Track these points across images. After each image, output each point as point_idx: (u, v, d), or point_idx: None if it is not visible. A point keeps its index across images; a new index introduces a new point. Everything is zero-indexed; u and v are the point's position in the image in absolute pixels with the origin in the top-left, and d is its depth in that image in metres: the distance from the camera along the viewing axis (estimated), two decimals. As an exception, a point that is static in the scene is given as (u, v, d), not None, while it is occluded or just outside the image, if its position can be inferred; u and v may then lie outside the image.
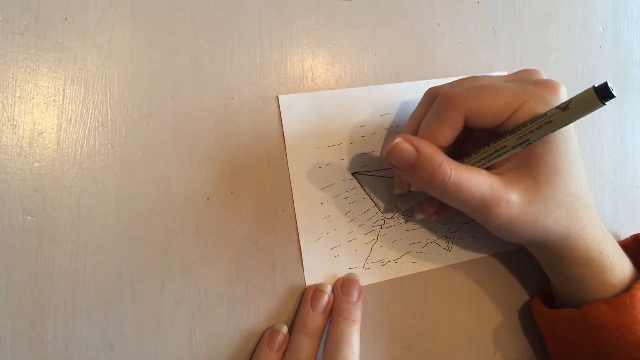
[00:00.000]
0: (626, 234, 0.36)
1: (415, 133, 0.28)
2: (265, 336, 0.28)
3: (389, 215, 0.31)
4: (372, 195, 0.31)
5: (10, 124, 0.25)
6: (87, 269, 0.26)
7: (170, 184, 0.27)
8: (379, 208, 0.31)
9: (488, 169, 0.26)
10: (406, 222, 0.32)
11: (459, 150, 0.28)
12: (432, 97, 0.28)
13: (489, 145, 0.26)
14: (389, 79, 0.31)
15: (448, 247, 0.33)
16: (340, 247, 0.30)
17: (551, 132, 0.24)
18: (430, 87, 0.29)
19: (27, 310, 0.25)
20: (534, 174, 0.25)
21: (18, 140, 0.25)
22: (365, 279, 0.31)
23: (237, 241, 0.28)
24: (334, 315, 0.28)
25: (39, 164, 0.25)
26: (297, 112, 0.29)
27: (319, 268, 0.30)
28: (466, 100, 0.25)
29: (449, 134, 0.26)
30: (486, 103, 0.25)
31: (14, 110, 0.25)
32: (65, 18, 0.25)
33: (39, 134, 0.25)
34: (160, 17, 0.27)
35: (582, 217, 0.27)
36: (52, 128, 0.25)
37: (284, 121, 0.29)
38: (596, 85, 0.22)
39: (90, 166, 0.26)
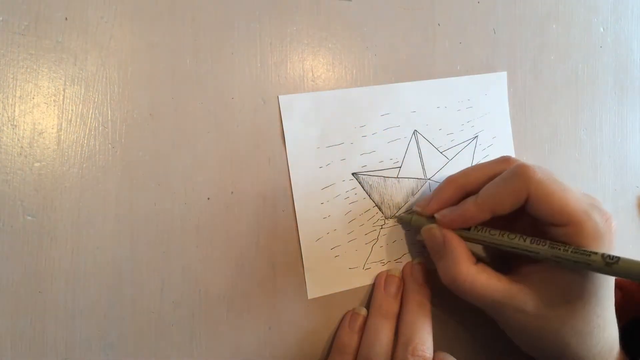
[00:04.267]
0: (626, 233, 0.36)
1: (474, 184, 0.28)
2: (346, 318, 0.30)
3: (390, 215, 0.31)
4: (373, 195, 0.31)
5: (11, 124, 0.25)
6: (87, 269, 0.26)
7: (170, 184, 0.27)
8: (379, 208, 0.31)
9: (513, 266, 0.27)
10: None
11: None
12: (505, 161, 0.28)
13: (525, 240, 0.25)
14: (389, 79, 0.31)
15: (448, 247, 0.33)
16: (340, 247, 0.30)
17: (586, 270, 0.23)
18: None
19: (27, 310, 0.25)
20: (557, 293, 0.25)
21: (18, 140, 0.25)
22: (366, 279, 0.31)
23: (237, 241, 0.28)
24: (405, 298, 0.30)
25: (39, 164, 0.25)
26: (297, 112, 0.29)
27: (319, 268, 0.30)
28: (539, 180, 0.24)
29: (508, 204, 0.25)
30: (554, 195, 0.24)
31: (14, 111, 0.25)
32: (66, 18, 0.25)
33: (39, 134, 0.25)
34: (160, 17, 0.27)
35: (604, 354, 0.26)
36: (53, 128, 0.25)
37: (284, 121, 0.29)
38: None
39: (90, 166, 0.26)
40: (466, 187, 0.28)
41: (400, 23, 0.32)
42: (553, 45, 0.36)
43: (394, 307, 0.29)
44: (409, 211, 0.32)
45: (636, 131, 0.40)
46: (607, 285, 0.25)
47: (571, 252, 0.24)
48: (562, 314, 0.25)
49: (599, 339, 0.26)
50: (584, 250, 0.23)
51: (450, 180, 0.29)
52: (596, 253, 0.23)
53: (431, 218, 0.29)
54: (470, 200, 0.27)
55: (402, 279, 0.31)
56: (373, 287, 0.31)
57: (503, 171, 0.27)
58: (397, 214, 0.32)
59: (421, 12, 0.32)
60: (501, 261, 0.29)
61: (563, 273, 0.25)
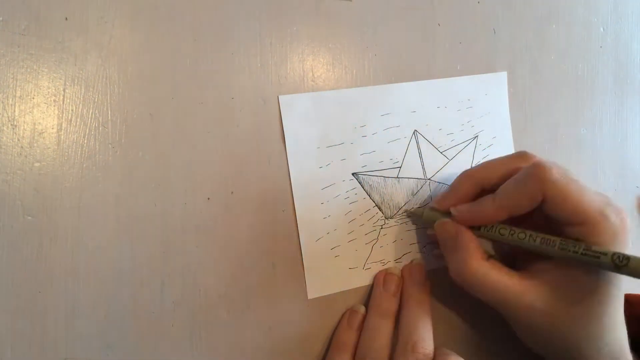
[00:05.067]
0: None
1: (490, 180, 0.28)
2: (345, 316, 0.30)
3: (390, 215, 0.31)
4: (373, 195, 0.31)
5: (11, 124, 0.25)
6: (87, 269, 0.26)
7: (170, 184, 0.27)
8: (379, 208, 0.31)
9: (524, 262, 0.27)
10: (407, 222, 0.32)
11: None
12: (521, 157, 0.28)
13: (535, 240, 0.26)
14: (389, 79, 0.31)
15: (448, 247, 0.33)
16: (340, 247, 0.30)
17: (597, 268, 0.24)
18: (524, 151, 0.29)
19: (27, 310, 0.25)
20: (568, 291, 0.25)
21: (18, 140, 0.25)
22: (366, 279, 0.31)
23: (237, 241, 0.28)
24: (404, 297, 0.30)
25: (39, 164, 0.25)
26: (297, 112, 0.29)
27: (319, 268, 0.30)
28: (554, 181, 0.24)
29: (525, 206, 0.25)
30: (569, 196, 0.24)
31: (15, 111, 0.25)
32: (66, 18, 0.25)
33: (40, 134, 0.25)
34: (161, 17, 0.27)
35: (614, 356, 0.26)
36: (53, 128, 0.25)
37: (284, 121, 0.29)
38: None
39: (90, 166, 0.26)
40: (483, 182, 0.28)
41: (400, 23, 0.32)
42: (553, 45, 0.36)
43: (393, 305, 0.30)
44: (420, 207, 0.32)
45: (636, 131, 0.40)
46: (618, 286, 0.25)
47: (581, 253, 0.24)
48: (572, 313, 0.25)
49: (609, 339, 0.25)
50: (594, 251, 0.23)
51: (467, 175, 0.29)
52: (606, 254, 0.23)
53: (445, 213, 0.29)
54: (488, 199, 0.27)
55: (402, 278, 0.31)
56: (372, 286, 0.31)
57: (520, 167, 0.27)
58: (406, 210, 0.32)
59: (421, 12, 0.32)
60: (511, 258, 0.29)
61: (574, 271, 0.25)
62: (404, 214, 0.32)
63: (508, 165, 0.28)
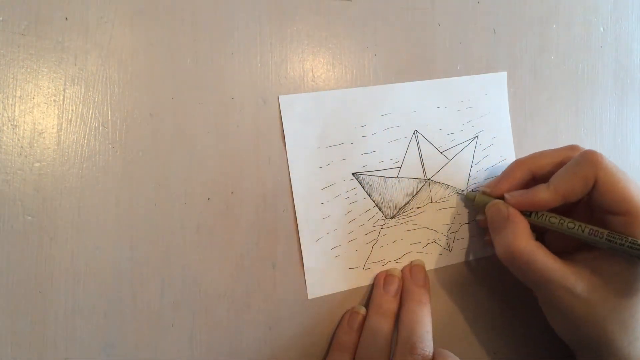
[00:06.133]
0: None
1: (542, 169, 0.29)
2: (345, 316, 0.30)
3: (390, 215, 0.31)
4: (373, 195, 0.31)
5: (11, 124, 0.25)
6: (87, 269, 0.26)
7: (170, 184, 0.27)
8: (379, 208, 0.31)
9: (569, 250, 0.28)
10: (407, 222, 0.32)
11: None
12: (572, 148, 0.29)
13: (583, 230, 0.26)
14: (389, 79, 0.31)
15: (448, 247, 0.33)
16: (340, 247, 0.30)
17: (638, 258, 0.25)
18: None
19: (27, 310, 0.25)
20: (609, 280, 0.26)
21: (18, 140, 0.25)
22: (366, 279, 0.31)
23: (237, 241, 0.28)
24: (405, 298, 0.30)
25: (39, 164, 0.25)
26: (297, 112, 0.29)
27: (319, 268, 0.30)
28: (607, 166, 0.26)
29: (579, 190, 0.26)
30: (619, 183, 0.25)
31: (15, 111, 0.25)
32: (66, 18, 0.25)
33: (40, 134, 0.25)
34: (160, 17, 0.27)
35: None
36: (53, 128, 0.25)
37: (284, 121, 0.29)
38: None
39: (90, 166, 0.26)
40: (535, 170, 0.29)
41: (400, 23, 0.32)
42: (553, 45, 0.36)
43: (393, 306, 0.30)
44: (472, 191, 0.33)
45: (636, 131, 0.40)
46: None
47: (627, 245, 0.24)
48: (611, 303, 0.25)
49: None
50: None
51: (520, 162, 0.30)
52: None
53: (497, 199, 0.30)
54: (543, 186, 0.28)
55: (402, 279, 0.31)
56: (372, 286, 0.31)
57: (570, 158, 0.28)
58: (459, 193, 0.33)
59: (421, 12, 0.32)
60: (554, 247, 0.30)
61: (617, 263, 0.26)
62: (457, 194, 0.32)
63: (560, 154, 0.29)
